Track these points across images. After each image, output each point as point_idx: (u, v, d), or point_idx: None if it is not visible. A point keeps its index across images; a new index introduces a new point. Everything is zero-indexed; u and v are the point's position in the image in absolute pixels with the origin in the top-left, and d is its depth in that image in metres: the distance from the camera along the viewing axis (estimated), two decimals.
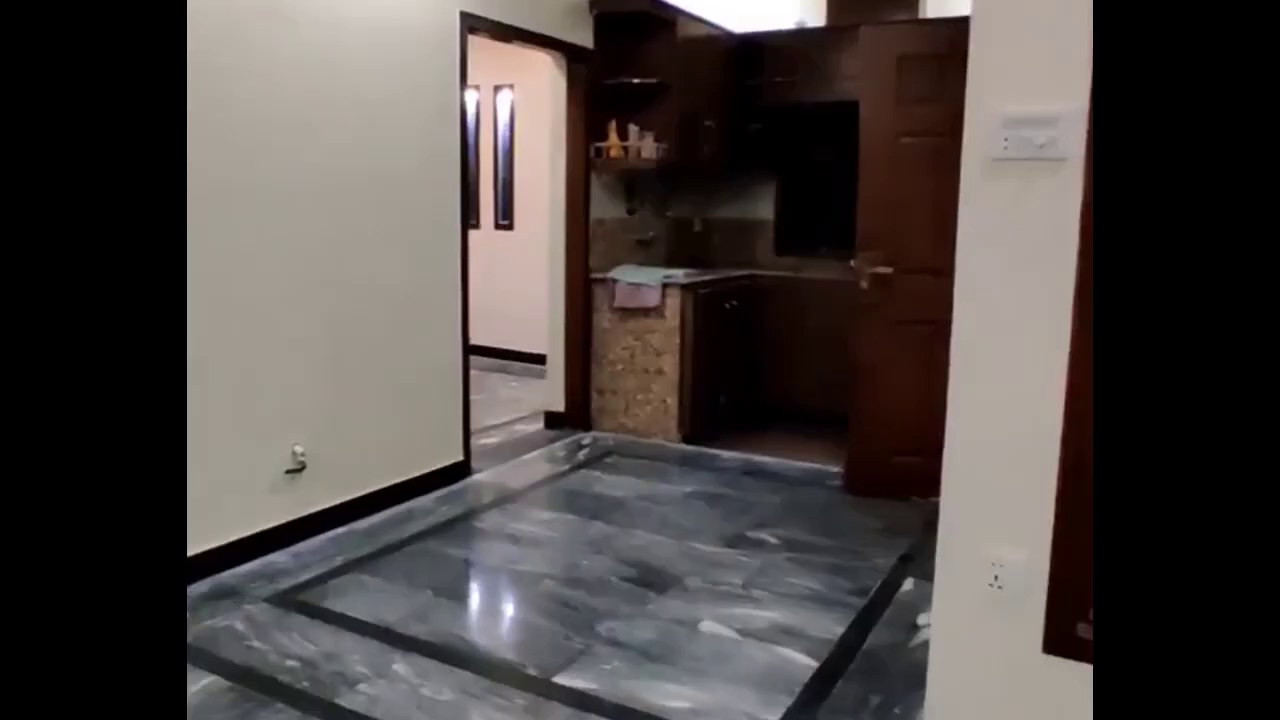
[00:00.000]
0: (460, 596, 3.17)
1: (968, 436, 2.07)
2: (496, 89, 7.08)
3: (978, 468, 2.07)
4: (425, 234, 3.97)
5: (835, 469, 4.51)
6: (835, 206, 6.11)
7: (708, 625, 2.91)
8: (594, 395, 5.20)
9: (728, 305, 5.18)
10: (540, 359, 5.78)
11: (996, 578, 2.05)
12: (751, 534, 3.70)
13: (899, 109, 3.98)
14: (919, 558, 3.48)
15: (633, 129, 5.01)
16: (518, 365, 6.86)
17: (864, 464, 4.22)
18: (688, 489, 4.24)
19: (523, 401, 5.78)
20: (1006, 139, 1.96)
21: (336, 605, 3.00)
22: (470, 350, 4.33)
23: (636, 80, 4.99)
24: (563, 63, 4.92)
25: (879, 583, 3.26)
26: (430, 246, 4.01)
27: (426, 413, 4.08)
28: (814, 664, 2.69)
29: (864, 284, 4.07)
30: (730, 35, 5.55)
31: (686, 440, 5.00)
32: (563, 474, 4.46)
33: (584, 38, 4.86)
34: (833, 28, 5.50)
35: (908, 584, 3.24)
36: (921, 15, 5.25)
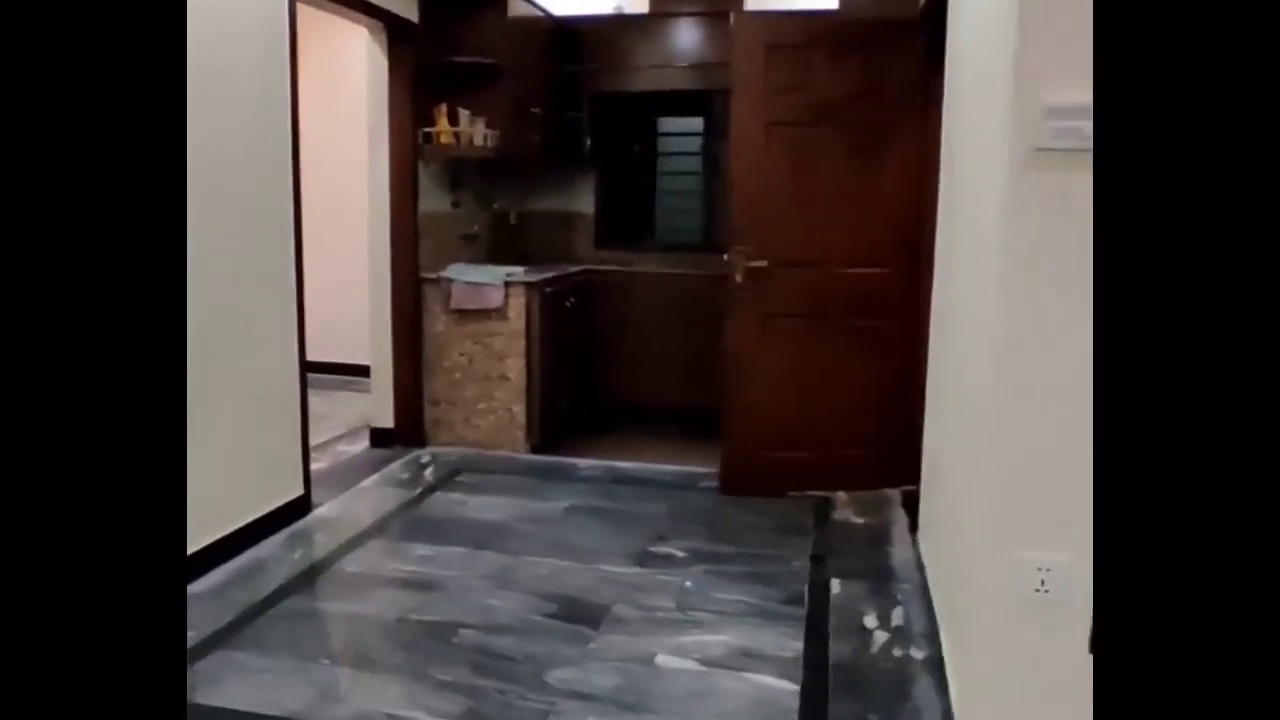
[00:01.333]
0: (370, 663, 2.66)
1: (1006, 440, 1.97)
2: None
3: (1016, 472, 1.98)
4: (250, 231, 3.32)
5: (702, 470, 4.38)
6: (658, 199, 6.02)
7: (665, 659, 2.65)
8: (428, 407, 4.71)
9: (568, 303, 4.88)
10: (354, 370, 5.17)
11: (1044, 582, 1.98)
12: (654, 549, 3.46)
13: (768, 98, 3.89)
14: (830, 555, 3.42)
15: (463, 114, 4.57)
16: (326, 379, 6.10)
17: (739, 462, 4.12)
18: (564, 504, 3.92)
19: (335, 419, 5.13)
20: (1055, 128, 1.86)
21: (214, 697, 2.41)
22: None
23: (467, 60, 4.55)
24: (382, 37, 4.38)
25: (806, 587, 3.15)
26: (258, 246, 3.37)
27: (260, 442, 3.45)
28: (794, 688, 2.51)
29: (738, 277, 3.95)
30: (551, 18, 5.24)
31: (536, 450, 4.66)
32: (418, 499, 3.97)
33: (407, 9, 4.35)
34: (655, 14, 5.35)
35: (835, 586, 3.16)
36: (746, 8, 5.23)
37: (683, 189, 6.00)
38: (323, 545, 3.43)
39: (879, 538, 3.63)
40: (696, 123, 5.90)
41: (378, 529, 3.61)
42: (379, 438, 4.71)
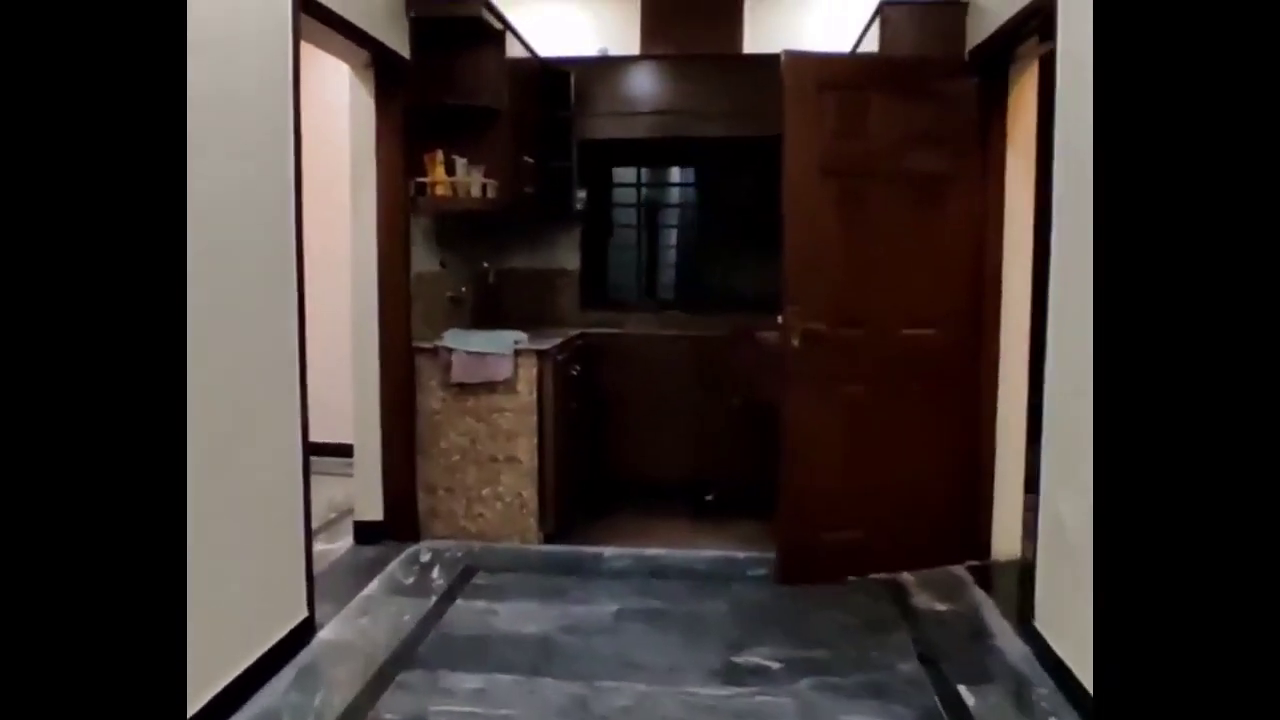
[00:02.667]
0: None
1: None
2: None
3: None
4: (249, 295, 2.72)
5: (741, 555, 3.94)
6: (650, 254, 5.59)
7: None
8: (422, 495, 4.10)
9: (574, 371, 4.38)
10: (330, 450, 4.51)
11: None
12: (739, 659, 2.97)
13: (822, 145, 3.55)
14: (940, 657, 2.99)
15: (460, 162, 4.05)
16: None
17: (797, 548, 3.67)
18: (610, 608, 3.38)
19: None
20: None
21: None
22: None
23: (463, 103, 4.05)
24: (369, 74, 3.84)
25: (937, 700, 2.71)
26: (256, 313, 2.76)
27: (260, 553, 2.80)
28: None
29: (795, 342, 3.55)
30: (538, 59, 4.80)
31: (550, 540, 4.10)
32: (437, 611, 3.36)
33: (399, 42, 3.83)
34: (646, 57, 4.97)
35: (967, 695, 2.73)
36: (745, 49, 4.92)
37: (674, 243, 5.60)
38: (344, 685, 2.79)
39: (978, 628, 3.23)
40: (689, 173, 5.53)
41: (404, 656, 2.99)
42: (365, 532, 4.07)
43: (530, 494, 4.05)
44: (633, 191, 5.54)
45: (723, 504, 4.68)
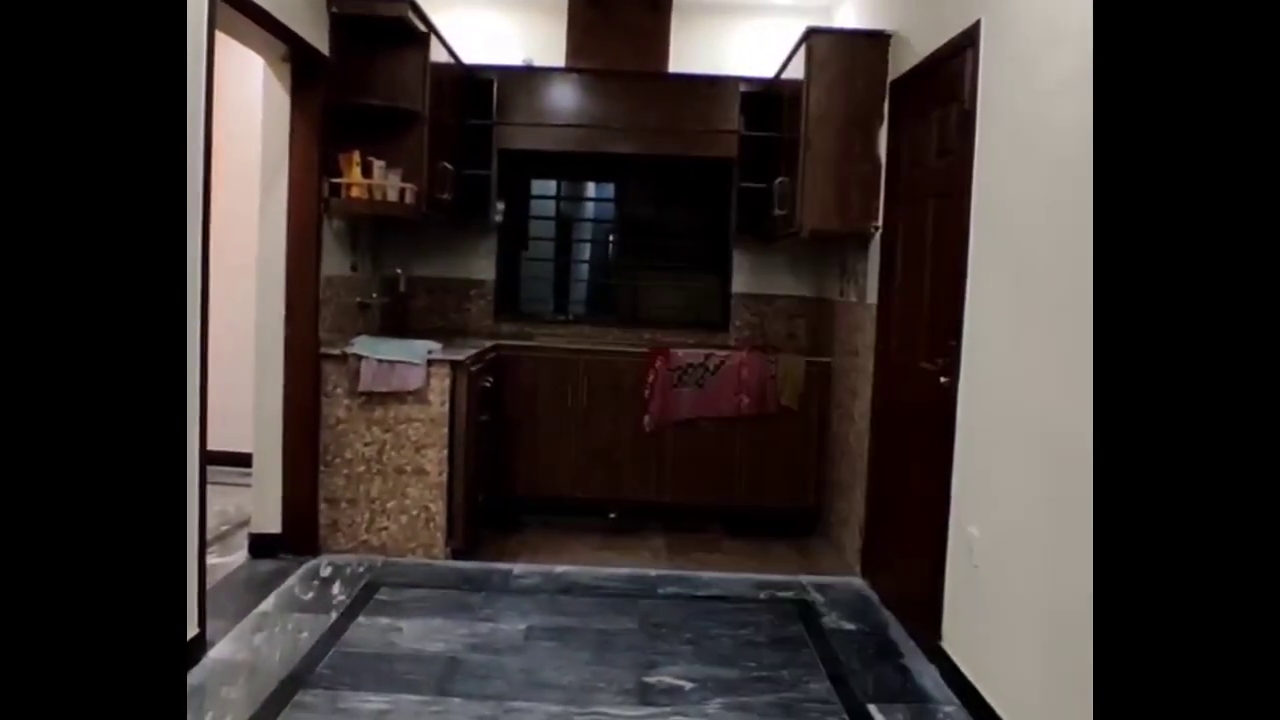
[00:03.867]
0: None
1: None
2: None
3: None
4: None
5: (653, 572, 3.92)
6: (566, 268, 5.54)
7: None
8: (324, 507, 3.94)
9: (487, 383, 4.29)
10: (224, 459, 4.30)
11: None
12: (651, 679, 2.94)
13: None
14: (847, 675, 3.02)
15: (377, 165, 3.94)
16: None
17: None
18: (520, 626, 3.31)
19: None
20: None
21: None
22: None
23: (383, 103, 3.94)
24: (286, 69, 3.71)
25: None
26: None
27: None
28: None
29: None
30: (461, 65, 4.72)
31: (458, 555, 4.00)
32: (338, 628, 3.22)
33: (318, 37, 3.71)
34: (571, 70, 4.95)
35: (877, 715, 2.76)
36: (670, 68, 4.94)
37: (590, 258, 5.57)
38: (236, 706, 2.64)
39: (885, 648, 3.28)
40: (609, 189, 5.52)
41: (302, 675, 2.85)
42: (261, 545, 3.88)
43: (438, 507, 3.94)
44: (551, 204, 5.49)
45: (630, 522, 4.66)
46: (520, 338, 4.98)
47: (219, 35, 3.20)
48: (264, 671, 2.85)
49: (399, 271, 4.82)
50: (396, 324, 4.89)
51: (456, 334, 5.03)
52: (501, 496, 4.62)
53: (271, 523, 3.89)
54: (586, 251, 5.57)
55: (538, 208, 5.49)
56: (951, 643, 3.01)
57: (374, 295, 4.47)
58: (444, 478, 3.93)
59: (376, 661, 2.97)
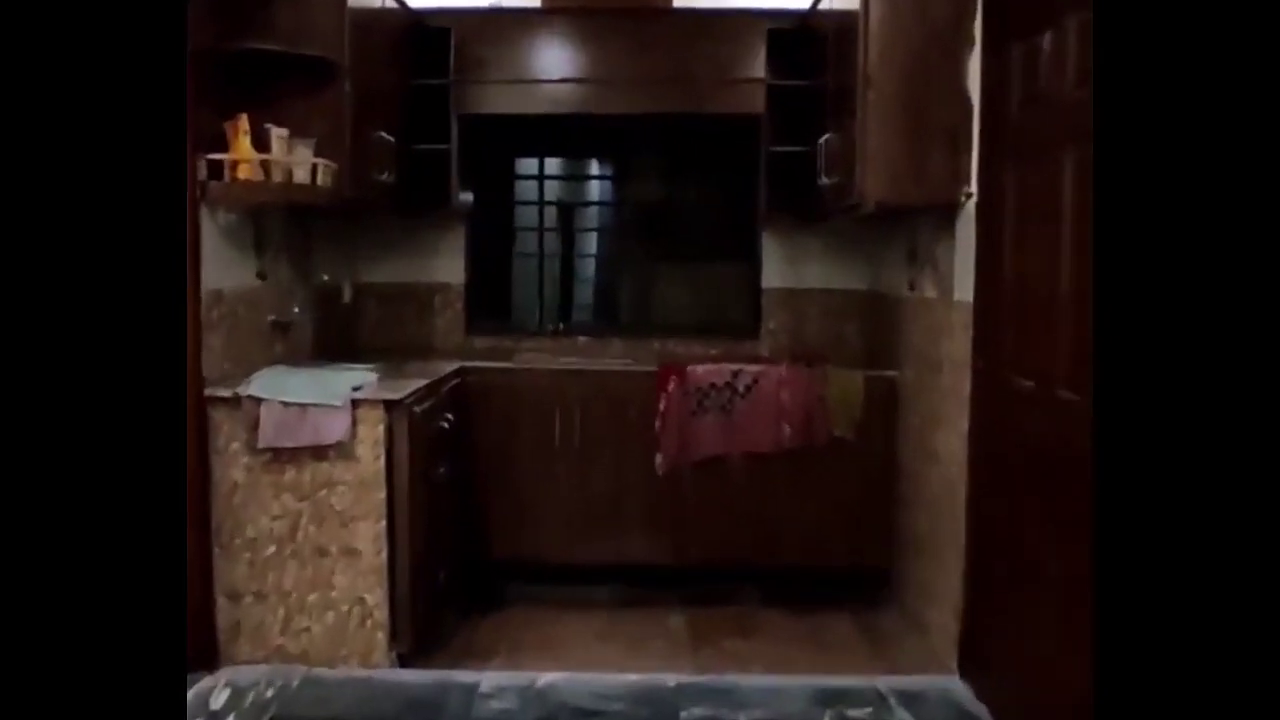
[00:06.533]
0: None
1: None
2: None
3: None
4: None
5: (672, 681, 2.85)
6: (557, 266, 4.48)
7: None
8: (222, 603, 2.90)
9: (443, 423, 3.23)
10: None
11: None
12: None
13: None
14: None
15: (277, 134, 2.87)
16: None
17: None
18: None
19: None
20: None
21: None
22: None
23: (280, 49, 2.87)
24: None
25: None
26: None
27: None
28: None
29: None
30: (405, 11, 3.65)
31: (407, 659, 2.95)
32: None
33: None
34: (550, 10, 3.87)
35: None
36: (676, 3, 3.86)
37: (586, 251, 4.50)
38: None
39: None
40: (603, 161, 4.46)
41: None
42: None
43: (376, 598, 2.89)
44: (531, 186, 4.42)
45: (641, 589, 3.61)
46: (497, 355, 3.92)
47: None
48: None
49: (328, 278, 3.77)
50: (340, 346, 3.84)
51: (418, 354, 3.98)
52: (475, 564, 3.57)
53: None
54: (578, 242, 4.49)
55: (520, 190, 4.43)
56: None
57: (296, 311, 3.41)
58: (383, 557, 2.87)
59: None
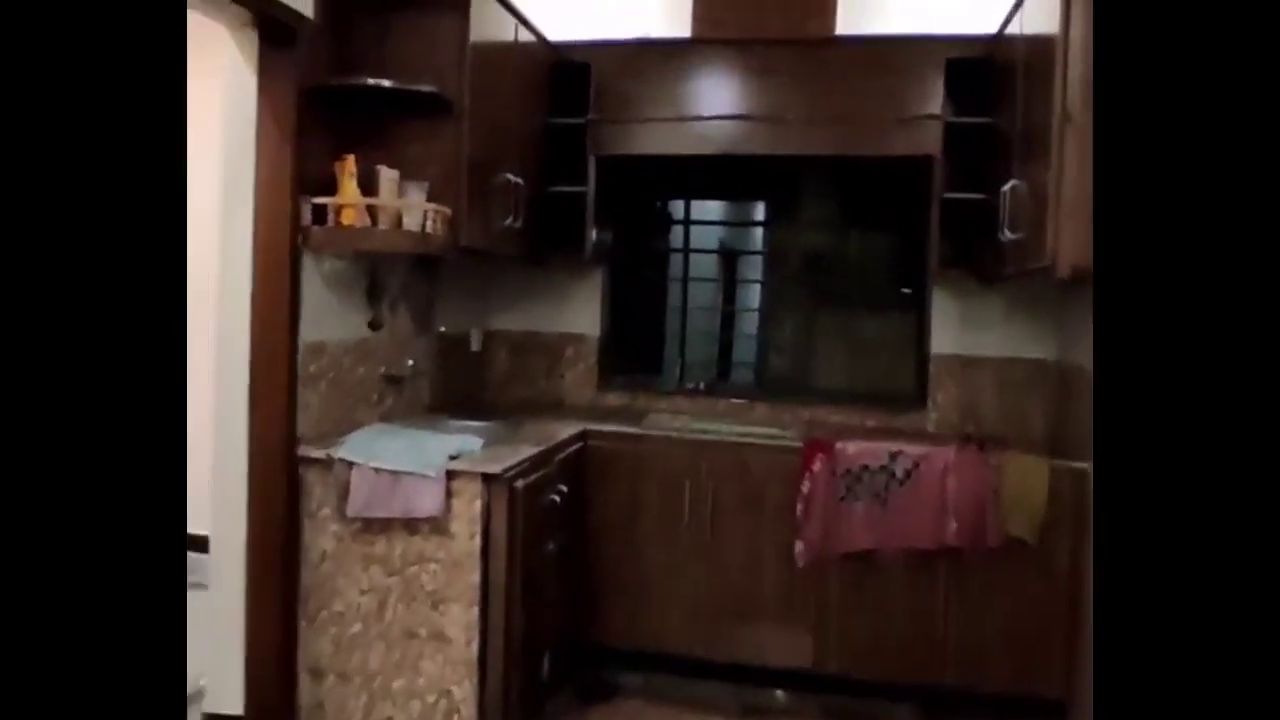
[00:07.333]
0: None
1: None
2: None
3: None
4: None
5: None
6: (714, 314, 4.14)
7: None
8: (305, 680, 2.68)
9: (554, 498, 2.91)
10: (200, 543, 3.16)
11: None
12: None
13: None
14: None
15: (385, 175, 2.67)
16: None
17: None
18: None
19: None
20: None
21: None
22: None
23: (392, 84, 2.67)
24: (250, 40, 2.51)
25: None
26: None
27: None
28: None
29: None
30: (543, 45, 3.42)
31: None
32: None
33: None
34: (700, 41, 3.54)
35: None
36: (838, 30, 3.45)
37: (727, 304, 4.13)
38: None
39: None
40: (759, 207, 4.09)
41: None
42: None
43: (464, 693, 2.58)
44: (677, 230, 4.10)
45: (774, 694, 3.15)
46: (630, 414, 3.59)
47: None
48: None
49: (445, 329, 3.55)
50: (460, 399, 3.62)
51: (545, 409, 3.71)
52: (585, 649, 3.23)
53: (232, 699, 2.66)
54: (721, 295, 4.12)
55: (674, 237, 4.12)
56: None
57: (410, 364, 3.20)
58: (473, 649, 2.57)
59: None
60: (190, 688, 2.73)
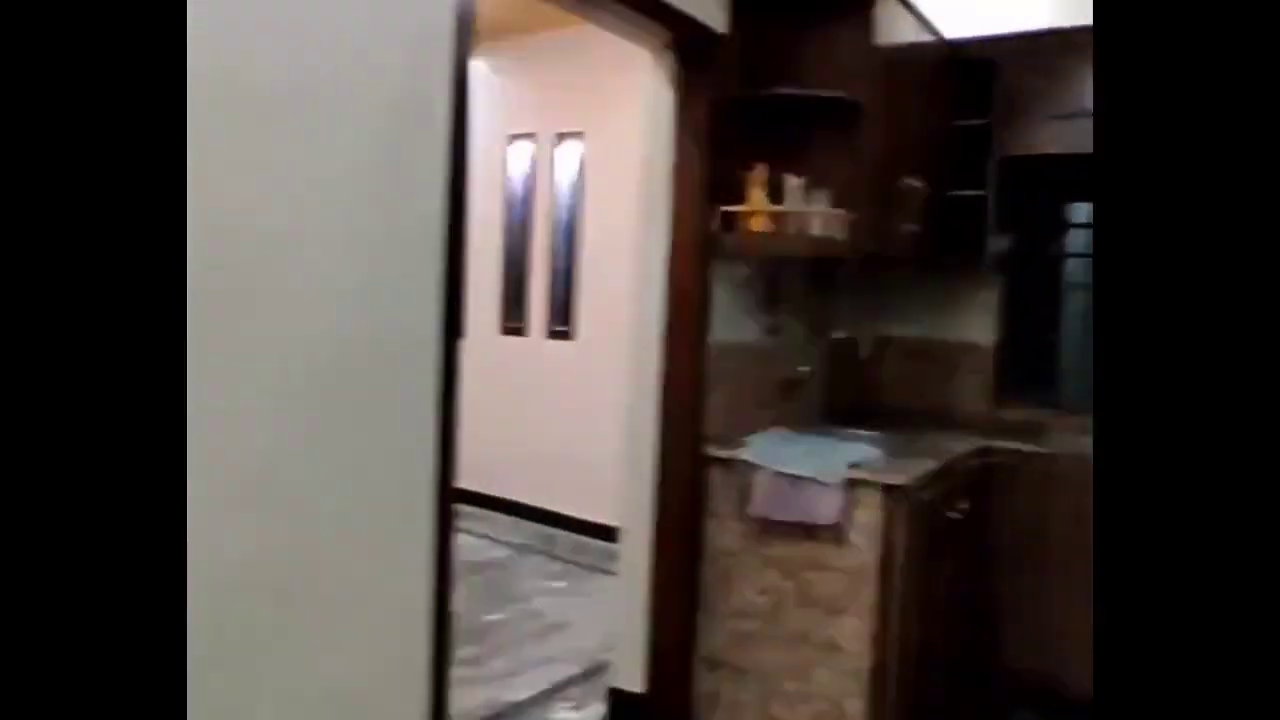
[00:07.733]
0: None
1: None
2: (560, 138, 4.91)
3: None
4: (358, 348, 1.68)
5: None
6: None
7: None
8: (700, 670, 2.79)
9: (955, 513, 2.77)
10: (610, 533, 3.46)
11: None
12: None
13: None
14: None
15: (791, 183, 2.71)
16: (570, 540, 4.47)
17: None
18: None
19: (573, 628, 3.40)
20: None
21: None
22: (500, 506, 2.57)
23: (802, 93, 2.71)
24: (669, 62, 2.68)
25: None
26: (373, 379, 1.71)
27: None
28: None
29: None
30: (942, 43, 3.30)
31: None
32: None
33: (712, 13, 2.62)
34: None
35: None
36: None
37: None
38: None
39: None
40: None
41: None
42: (622, 708, 2.86)
43: (856, 706, 2.53)
44: (1085, 235, 3.73)
45: None
46: (1029, 432, 3.33)
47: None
48: None
49: (843, 334, 3.52)
50: (850, 409, 3.57)
51: (935, 421, 3.56)
52: (981, 674, 3.04)
53: (633, 677, 2.84)
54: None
55: (1072, 242, 3.78)
56: None
57: (804, 369, 3.22)
58: (866, 661, 2.51)
59: None
60: (598, 660, 2.96)
